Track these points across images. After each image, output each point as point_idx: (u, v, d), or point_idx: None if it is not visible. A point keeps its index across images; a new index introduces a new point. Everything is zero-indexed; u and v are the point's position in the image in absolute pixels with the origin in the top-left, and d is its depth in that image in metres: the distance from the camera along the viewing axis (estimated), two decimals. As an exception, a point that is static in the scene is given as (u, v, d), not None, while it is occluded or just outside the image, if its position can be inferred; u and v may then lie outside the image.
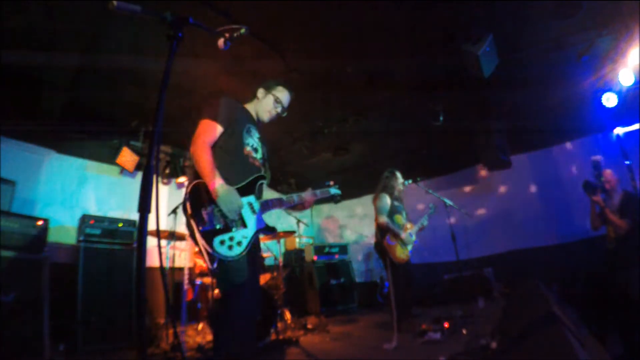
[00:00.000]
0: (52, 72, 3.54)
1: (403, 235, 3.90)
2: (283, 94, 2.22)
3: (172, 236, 3.87)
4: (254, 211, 1.91)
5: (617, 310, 2.99)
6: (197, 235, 1.67)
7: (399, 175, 4.18)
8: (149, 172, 1.12)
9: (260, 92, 2.22)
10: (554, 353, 1.29)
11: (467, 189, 6.78)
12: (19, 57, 3.15)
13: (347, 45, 3.58)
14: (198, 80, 3.94)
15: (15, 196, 3.66)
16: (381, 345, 3.13)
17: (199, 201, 1.73)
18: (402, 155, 6.37)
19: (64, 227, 4.11)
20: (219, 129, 1.93)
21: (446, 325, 3.33)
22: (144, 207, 1.07)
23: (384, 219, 3.86)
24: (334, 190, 2.45)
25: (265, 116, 2.22)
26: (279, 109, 2.22)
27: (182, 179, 5.51)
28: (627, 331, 2.70)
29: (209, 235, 1.68)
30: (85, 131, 4.43)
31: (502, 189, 6.34)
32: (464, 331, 3.20)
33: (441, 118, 4.66)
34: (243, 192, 1.88)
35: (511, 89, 4.39)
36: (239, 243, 1.75)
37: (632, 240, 3.33)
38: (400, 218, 4.01)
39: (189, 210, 1.70)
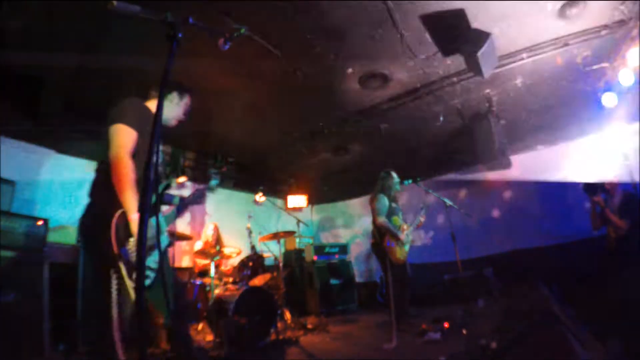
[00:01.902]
0: (52, 72, 3.54)
1: (402, 236, 3.90)
2: (189, 103, 2.20)
3: (172, 236, 3.88)
4: (160, 232, 1.78)
5: (617, 311, 2.98)
6: (127, 279, 1.53)
7: (395, 175, 4.18)
8: (149, 172, 1.12)
9: (175, 97, 2.15)
10: (554, 353, 1.29)
11: (467, 189, 6.77)
12: (19, 57, 3.15)
13: (347, 45, 3.58)
14: (198, 80, 3.94)
15: (15, 196, 3.66)
16: (381, 345, 3.13)
17: (122, 236, 1.59)
18: (402, 155, 6.36)
19: (64, 227, 4.11)
20: (135, 136, 1.76)
21: (446, 325, 3.33)
22: (144, 207, 1.07)
23: (382, 219, 3.85)
24: (212, 182, 2.43)
25: (173, 123, 2.17)
26: (183, 119, 2.21)
27: (182, 179, 5.51)
28: (627, 331, 2.69)
29: (130, 273, 1.56)
30: (85, 131, 4.42)
31: (502, 189, 6.34)
32: (464, 331, 3.20)
33: (441, 118, 4.67)
34: (153, 210, 1.75)
35: (511, 89, 4.38)
36: (152, 270, 1.69)
37: (632, 241, 3.34)
38: (398, 219, 4.03)
39: (116, 249, 1.54)
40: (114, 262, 1.56)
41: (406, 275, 3.98)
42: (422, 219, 4.26)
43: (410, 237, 4.07)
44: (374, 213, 4.00)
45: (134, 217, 1.59)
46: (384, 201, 3.98)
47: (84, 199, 1.88)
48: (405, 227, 4.07)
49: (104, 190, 1.69)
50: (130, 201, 1.61)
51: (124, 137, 1.72)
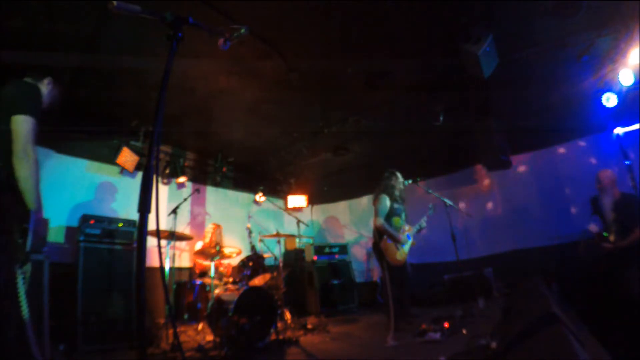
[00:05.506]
0: (52, 72, 3.53)
1: (400, 237, 3.91)
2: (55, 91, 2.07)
3: (172, 236, 3.88)
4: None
5: (617, 310, 2.98)
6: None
7: (399, 175, 4.17)
8: (149, 172, 1.12)
9: (49, 83, 2.10)
10: (554, 353, 1.28)
11: (467, 189, 6.77)
12: (19, 57, 3.15)
13: (347, 45, 3.58)
14: (198, 80, 3.94)
15: (15, 196, 3.65)
16: (381, 345, 3.13)
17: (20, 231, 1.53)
18: (402, 155, 6.36)
19: (64, 227, 4.11)
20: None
21: (446, 325, 3.32)
22: (144, 207, 1.07)
23: (380, 221, 3.85)
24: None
25: (45, 106, 2.05)
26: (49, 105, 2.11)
27: (182, 179, 5.51)
28: (627, 331, 2.69)
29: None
30: (85, 131, 4.43)
31: (502, 189, 6.34)
32: (464, 331, 3.20)
33: (441, 118, 4.67)
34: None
35: (511, 89, 4.38)
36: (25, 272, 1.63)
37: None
38: (399, 220, 4.01)
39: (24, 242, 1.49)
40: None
41: (406, 276, 3.98)
42: (424, 225, 4.26)
43: (411, 239, 4.06)
44: (375, 214, 4.00)
45: (40, 214, 1.59)
46: (385, 202, 3.95)
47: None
48: (407, 228, 4.06)
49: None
50: (36, 197, 1.58)
51: (30, 131, 1.62)
